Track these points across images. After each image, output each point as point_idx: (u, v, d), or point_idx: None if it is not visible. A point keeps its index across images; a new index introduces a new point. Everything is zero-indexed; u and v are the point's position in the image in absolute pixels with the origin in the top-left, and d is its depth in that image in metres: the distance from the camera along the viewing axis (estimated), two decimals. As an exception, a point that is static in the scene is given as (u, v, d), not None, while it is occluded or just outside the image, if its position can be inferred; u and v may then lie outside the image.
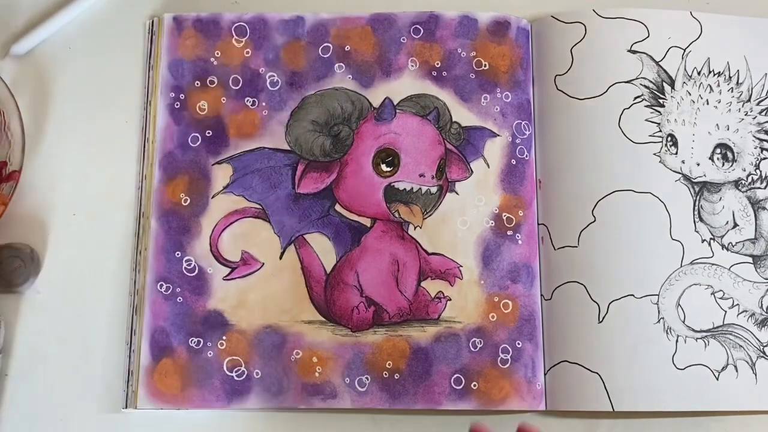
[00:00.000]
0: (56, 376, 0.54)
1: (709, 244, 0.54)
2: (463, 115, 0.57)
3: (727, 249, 0.54)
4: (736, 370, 0.52)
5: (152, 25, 0.59)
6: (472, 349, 0.53)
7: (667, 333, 0.53)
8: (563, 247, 0.54)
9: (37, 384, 0.54)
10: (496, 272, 0.54)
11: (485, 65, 0.57)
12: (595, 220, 0.54)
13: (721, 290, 0.54)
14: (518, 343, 0.53)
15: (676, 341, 0.52)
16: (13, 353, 0.54)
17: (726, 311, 0.53)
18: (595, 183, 0.54)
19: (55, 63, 0.59)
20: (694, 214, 0.54)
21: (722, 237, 0.54)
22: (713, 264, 0.54)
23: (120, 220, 0.56)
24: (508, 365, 0.53)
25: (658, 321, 0.53)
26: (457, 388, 0.52)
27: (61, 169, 0.57)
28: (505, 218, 0.55)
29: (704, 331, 0.53)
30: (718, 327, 0.53)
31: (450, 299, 0.54)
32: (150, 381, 0.53)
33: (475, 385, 0.52)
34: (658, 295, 0.53)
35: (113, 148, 0.58)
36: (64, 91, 0.58)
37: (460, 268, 0.54)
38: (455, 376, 0.53)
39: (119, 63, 0.59)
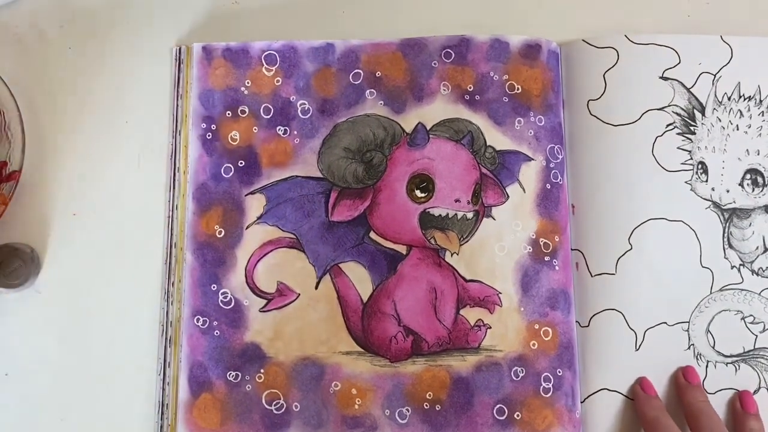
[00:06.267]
0: (56, 376, 0.54)
1: (739, 270, 0.55)
2: (497, 138, 0.56)
3: (757, 274, 0.55)
4: (769, 394, 0.54)
5: (179, 53, 0.57)
6: (514, 378, 0.54)
7: (697, 359, 0.54)
8: (600, 274, 0.55)
9: (37, 384, 0.54)
10: (535, 299, 0.55)
11: (518, 88, 0.57)
12: (631, 248, 0.54)
13: (751, 315, 0.55)
14: (559, 371, 0.54)
15: (706, 366, 0.54)
16: (13, 353, 0.54)
17: (757, 335, 0.55)
18: (630, 210, 0.55)
19: (55, 63, 0.58)
20: (723, 241, 0.55)
21: (752, 263, 0.55)
22: (743, 290, 0.55)
23: (121, 219, 0.56)
24: (550, 394, 0.53)
25: (689, 347, 0.54)
26: (500, 418, 0.53)
27: (61, 170, 0.56)
28: (542, 243, 0.55)
29: (734, 356, 0.54)
30: (749, 351, 0.55)
31: (490, 327, 0.54)
32: (189, 417, 0.53)
33: (518, 415, 0.53)
34: (688, 322, 0.54)
35: (114, 148, 0.57)
36: (65, 90, 0.57)
37: (499, 295, 0.55)
38: (498, 406, 0.53)
39: (120, 62, 0.58)
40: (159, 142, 0.57)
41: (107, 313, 0.55)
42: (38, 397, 0.54)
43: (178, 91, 0.57)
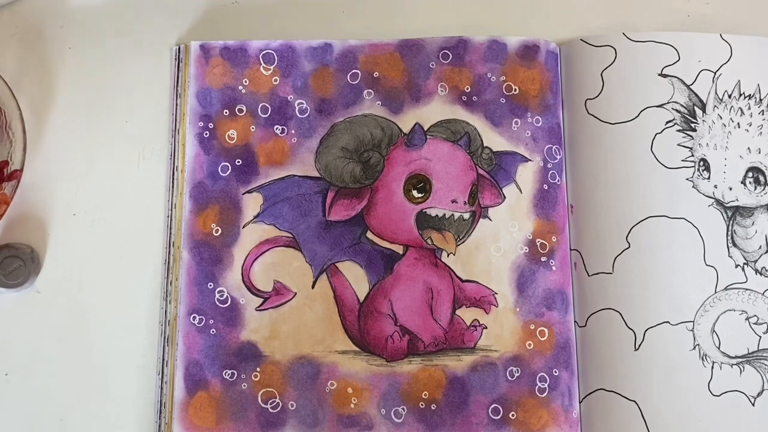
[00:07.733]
0: (56, 376, 0.54)
1: (743, 269, 0.54)
2: (494, 140, 0.56)
3: (761, 274, 0.54)
4: (773, 396, 0.53)
5: (179, 52, 0.58)
6: (510, 378, 0.53)
7: (702, 359, 0.53)
8: (597, 274, 0.54)
9: (37, 384, 0.54)
10: (531, 299, 0.54)
11: (515, 89, 0.57)
12: (629, 247, 0.54)
13: (755, 315, 0.54)
14: (555, 371, 0.53)
15: (712, 367, 0.53)
16: (13, 353, 0.54)
17: (761, 336, 0.53)
18: (628, 209, 0.54)
19: (55, 63, 0.59)
20: (727, 239, 0.54)
21: (755, 261, 0.54)
22: (747, 289, 0.54)
23: (121, 219, 0.56)
24: (545, 394, 0.53)
25: (694, 348, 0.53)
26: (495, 418, 0.52)
27: (61, 170, 0.57)
28: (539, 244, 0.55)
29: (739, 357, 0.53)
30: (753, 352, 0.53)
31: (486, 327, 0.54)
32: (185, 415, 0.52)
33: (513, 415, 0.52)
34: (693, 321, 0.53)
35: (114, 148, 0.57)
36: (65, 90, 0.58)
37: (495, 295, 0.54)
38: (493, 405, 0.52)
39: (120, 62, 0.59)
40: (159, 141, 0.57)
41: (107, 312, 0.55)
42: (38, 397, 0.54)
43: (177, 91, 0.57)
